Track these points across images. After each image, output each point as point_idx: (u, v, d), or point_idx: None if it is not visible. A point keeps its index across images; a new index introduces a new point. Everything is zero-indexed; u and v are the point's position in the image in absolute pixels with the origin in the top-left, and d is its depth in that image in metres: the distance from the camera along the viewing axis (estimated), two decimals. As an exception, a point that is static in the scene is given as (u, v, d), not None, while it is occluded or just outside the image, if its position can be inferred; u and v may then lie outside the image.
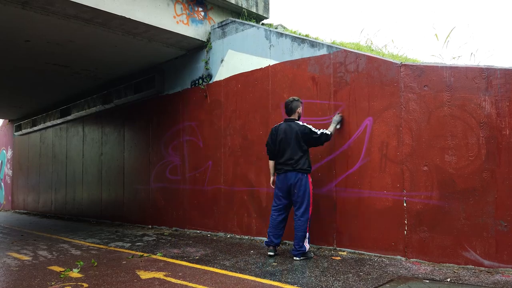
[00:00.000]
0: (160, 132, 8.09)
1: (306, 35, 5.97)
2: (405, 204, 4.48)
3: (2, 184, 16.46)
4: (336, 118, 5.06)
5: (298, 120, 4.95)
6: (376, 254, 4.69)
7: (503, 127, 3.98)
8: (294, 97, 5.02)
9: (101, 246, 6.03)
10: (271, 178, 5.11)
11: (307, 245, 4.72)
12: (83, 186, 10.91)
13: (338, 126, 5.10)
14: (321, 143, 4.90)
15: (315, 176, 5.30)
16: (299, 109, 4.97)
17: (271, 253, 4.88)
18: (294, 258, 4.69)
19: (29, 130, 13.65)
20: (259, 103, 6.12)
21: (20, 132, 14.33)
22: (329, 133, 4.89)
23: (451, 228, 4.17)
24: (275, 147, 4.92)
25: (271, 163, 5.04)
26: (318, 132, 4.81)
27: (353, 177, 4.95)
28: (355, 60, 5.02)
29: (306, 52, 5.54)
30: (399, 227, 4.51)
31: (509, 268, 3.85)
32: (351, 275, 3.91)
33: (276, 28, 6.45)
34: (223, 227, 6.60)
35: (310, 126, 4.84)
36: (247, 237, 6.16)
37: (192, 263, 4.65)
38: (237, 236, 6.32)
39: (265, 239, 5.84)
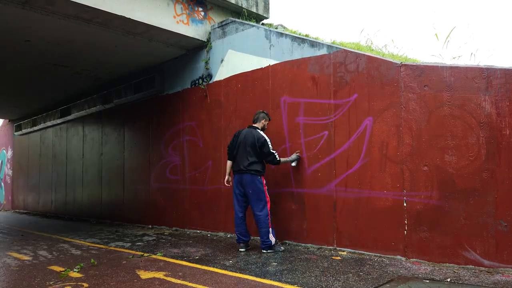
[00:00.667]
0: (160, 132, 8.09)
1: (306, 35, 5.97)
2: (405, 204, 4.48)
3: (2, 184, 16.46)
4: (294, 156, 5.41)
5: (261, 130, 5.32)
6: (376, 254, 4.69)
7: (503, 127, 3.98)
8: (263, 111, 5.50)
9: (101, 246, 6.03)
10: (226, 177, 5.53)
11: (272, 239, 5.06)
12: (83, 186, 10.91)
13: (293, 164, 5.43)
14: (267, 161, 5.25)
15: (315, 176, 5.31)
16: (265, 122, 5.42)
17: (242, 250, 5.27)
18: (262, 251, 5.09)
19: (29, 130, 13.65)
20: (259, 103, 6.12)
21: (20, 132, 14.33)
22: (279, 159, 5.25)
23: (451, 228, 4.17)
24: (234, 149, 5.34)
25: (229, 163, 5.45)
26: (271, 150, 5.18)
27: (353, 177, 4.95)
28: (355, 60, 5.02)
29: (306, 52, 5.54)
30: (399, 227, 4.51)
31: (509, 268, 3.85)
32: (351, 275, 3.91)
33: (276, 28, 6.45)
34: (223, 227, 6.60)
35: (269, 141, 5.19)
36: (247, 237, 6.16)
37: (192, 263, 4.65)
38: (237, 236, 6.31)
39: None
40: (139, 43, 6.95)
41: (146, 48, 7.22)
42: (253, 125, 5.39)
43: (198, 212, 7.08)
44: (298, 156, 5.43)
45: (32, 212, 13.75)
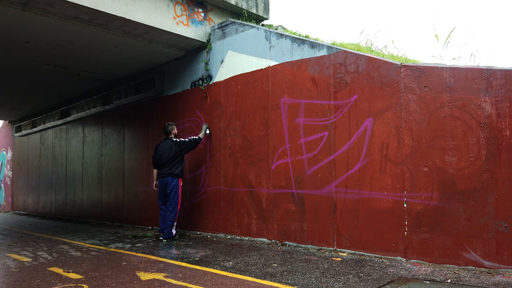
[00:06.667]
0: (160, 133, 8.08)
1: (306, 36, 5.97)
2: (405, 205, 4.48)
3: (2, 185, 16.45)
4: (204, 126, 6.82)
5: (174, 138, 6.66)
6: (376, 255, 4.68)
7: (503, 127, 3.98)
8: (169, 122, 6.78)
9: (101, 247, 6.02)
10: (154, 182, 6.74)
11: (173, 231, 6.41)
12: (83, 187, 10.90)
13: (207, 132, 6.81)
14: (193, 147, 6.60)
15: (315, 177, 5.31)
16: (174, 131, 6.73)
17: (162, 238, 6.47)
18: (163, 240, 6.37)
19: (29, 131, 13.65)
20: (259, 104, 6.12)
21: (20, 133, 14.33)
22: (197, 137, 6.61)
23: (451, 229, 4.16)
24: (157, 159, 6.57)
25: (155, 171, 6.71)
26: (187, 140, 6.55)
27: (353, 177, 4.94)
28: (355, 61, 5.02)
29: (306, 53, 5.54)
30: (399, 228, 4.51)
31: (509, 269, 3.85)
32: (351, 276, 3.90)
33: (276, 29, 6.45)
34: (223, 228, 6.59)
35: (180, 139, 6.57)
36: (247, 238, 6.15)
37: (192, 264, 4.65)
38: (237, 237, 6.31)
39: (265, 240, 5.86)
40: (139, 44, 6.95)
41: (146, 49, 7.22)
42: (167, 137, 6.65)
43: (198, 213, 7.07)
44: (206, 125, 6.84)
45: (32, 213, 13.74)
